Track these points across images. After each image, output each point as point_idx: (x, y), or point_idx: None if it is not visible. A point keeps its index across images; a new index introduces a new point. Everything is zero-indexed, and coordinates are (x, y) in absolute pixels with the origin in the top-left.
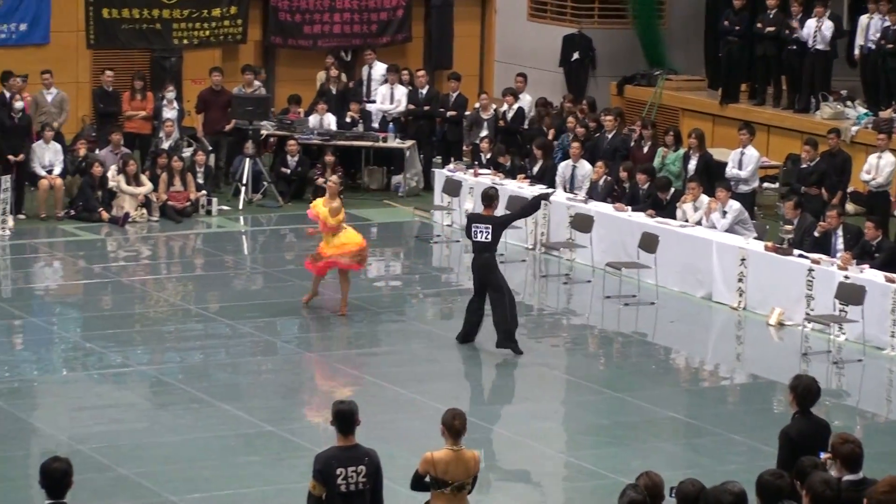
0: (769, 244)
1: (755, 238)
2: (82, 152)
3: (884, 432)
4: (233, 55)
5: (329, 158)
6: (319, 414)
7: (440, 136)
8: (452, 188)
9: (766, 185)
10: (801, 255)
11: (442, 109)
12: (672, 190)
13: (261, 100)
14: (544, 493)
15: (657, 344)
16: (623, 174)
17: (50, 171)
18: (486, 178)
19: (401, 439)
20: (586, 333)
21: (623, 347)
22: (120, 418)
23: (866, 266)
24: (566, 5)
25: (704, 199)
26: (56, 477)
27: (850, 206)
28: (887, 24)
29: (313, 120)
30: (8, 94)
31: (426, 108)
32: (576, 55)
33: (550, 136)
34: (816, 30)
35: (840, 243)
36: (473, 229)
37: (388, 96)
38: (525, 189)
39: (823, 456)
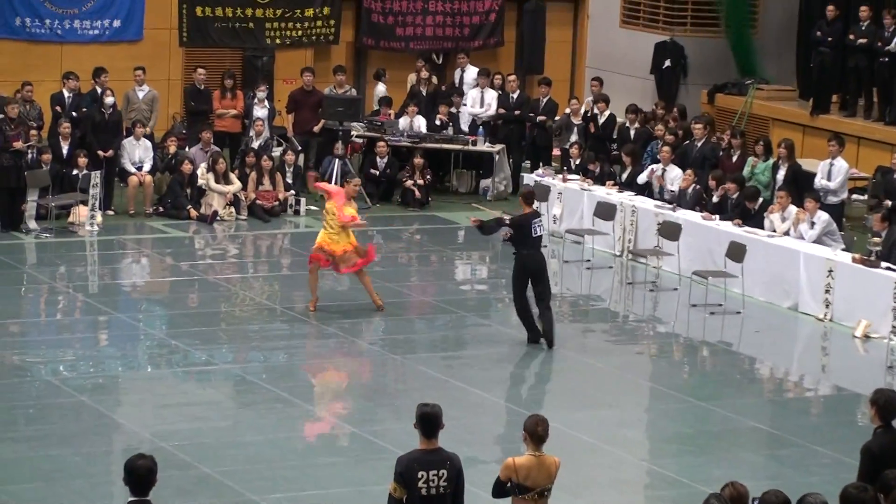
0: (857, 256)
1: (843, 249)
2: (172, 149)
3: None
4: (324, 56)
5: (418, 161)
6: (403, 416)
7: (529, 141)
8: (541, 193)
9: (854, 196)
10: (888, 268)
11: (532, 114)
12: (760, 200)
13: (351, 101)
14: (626, 500)
15: (742, 353)
16: (712, 183)
17: (140, 168)
18: (575, 184)
19: (483, 444)
20: (671, 341)
21: (708, 356)
22: (203, 416)
23: None
24: (659, 13)
25: (793, 209)
26: (141, 474)
27: None
28: None
29: (403, 122)
30: (99, 90)
31: (516, 112)
32: (667, 63)
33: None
34: None
35: None
36: (534, 225)
37: (478, 100)
38: (613, 195)
39: None
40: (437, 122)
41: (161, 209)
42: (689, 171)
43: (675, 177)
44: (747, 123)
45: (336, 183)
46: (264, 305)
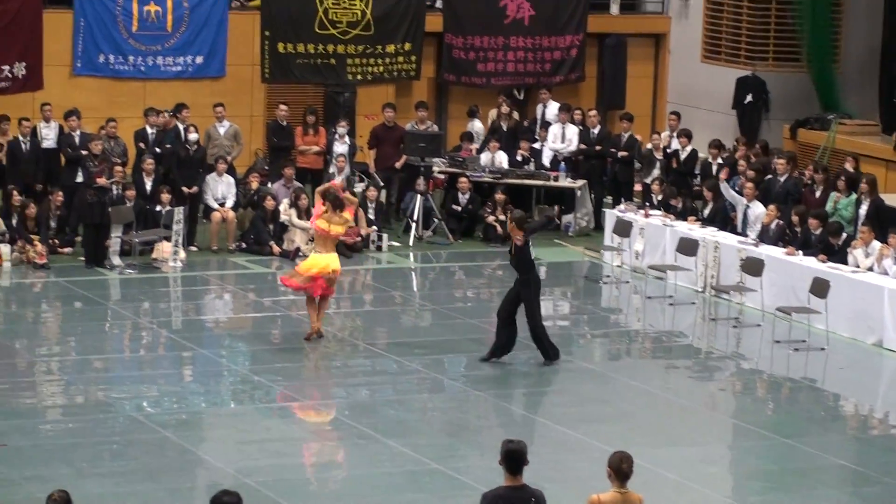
0: None
1: None
2: (255, 185)
3: None
4: (406, 91)
5: (500, 196)
6: (486, 452)
7: (611, 176)
8: (623, 228)
9: None
10: None
11: (613, 149)
12: (844, 235)
13: (433, 136)
14: None
15: (826, 390)
16: (794, 218)
17: (222, 204)
18: (657, 220)
19: (568, 481)
20: (755, 378)
21: (792, 393)
22: (287, 452)
23: None
24: (740, 47)
25: (876, 244)
26: None
27: None
28: None
29: (485, 157)
30: (181, 127)
31: (597, 147)
32: (749, 97)
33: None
34: None
35: None
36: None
37: (559, 135)
38: (695, 231)
39: None
40: (519, 158)
41: (244, 245)
42: (771, 207)
43: (759, 213)
44: (830, 158)
45: (418, 219)
46: (347, 341)
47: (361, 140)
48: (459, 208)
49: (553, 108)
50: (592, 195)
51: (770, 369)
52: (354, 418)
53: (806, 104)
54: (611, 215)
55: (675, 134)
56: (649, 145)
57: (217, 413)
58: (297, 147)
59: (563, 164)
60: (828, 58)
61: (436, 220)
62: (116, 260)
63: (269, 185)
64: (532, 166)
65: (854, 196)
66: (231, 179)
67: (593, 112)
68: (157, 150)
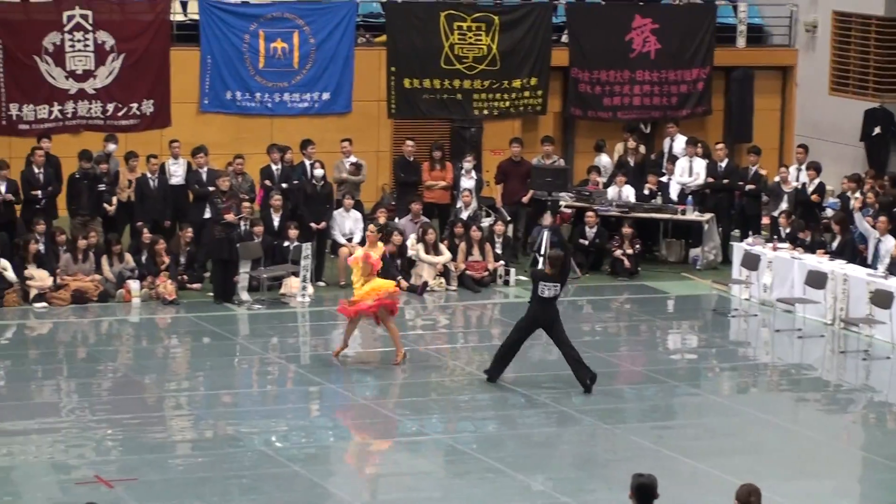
0: None
1: None
2: (382, 221)
3: None
4: (532, 126)
5: (627, 230)
6: (614, 486)
7: (738, 210)
8: (751, 262)
9: None
10: None
11: (741, 183)
12: None
13: (560, 171)
14: None
15: None
16: None
17: (350, 239)
18: (785, 253)
19: None
20: (885, 410)
21: None
22: (415, 486)
23: None
24: (868, 79)
25: None
26: None
27: None
28: None
29: (612, 191)
30: (308, 162)
31: (725, 181)
32: (877, 130)
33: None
34: None
35: None
36: (541, 287)
37: (687, 169)
38: (824, 264)
39: None
40: (646, 192)
41: None
42: None
43: (890, 247)
44: None
45: (545, 253)
46: (475, 375)
47: (488, 175)
48: (587, 242)
49: (680, 142)
50: (720, 228)
51: None
52: (482, 452)
53: None
54: (738, 248)
55: (802, 167)
56: (777, 178)
57: (345, 447)
58: (424, 182)
59: (690, 197)
60: None
61: None
62: (245, 295)
63: (397, 220)
64: (659, 200)
65: None
66: (358, 215)
67: (720, 145)
68: (284, 185)
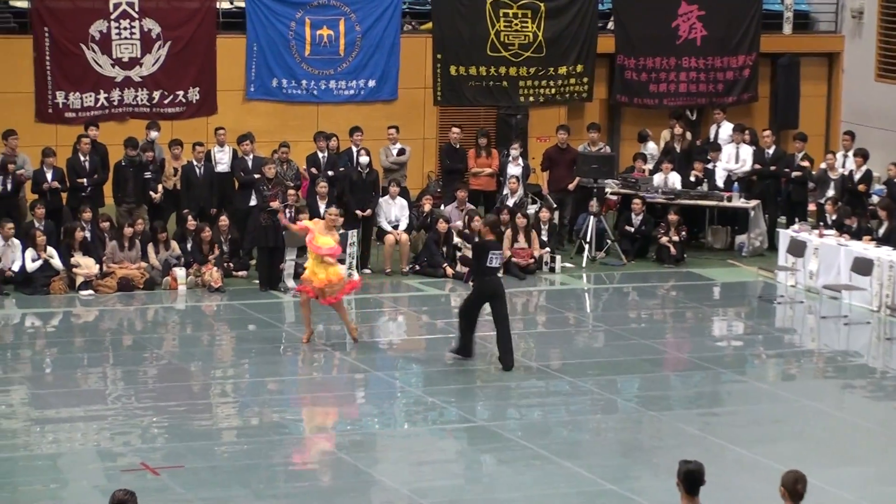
0: None
1: None
2: (427, 208)
3: None
4: (578, 113)
5: (673, 217)
6: (660, 473)
7: (785, 197)
8: (797, 249)
9: None
10: None
11: (787, 169)
12: None
13: (606, 158)
14: None
15: None
16: None
17: (395, 227)
18: (832, 240)
19: (741, 501)
20: None
21: None
22: (461, 473)
23: None
24: None
25: None
26: None
27: None
28: None
29: (658, 178)
30: (354, 150)
31: (772, 167)
32: None
33: None
34: None
35: None
36: (490, 256)
37: (733, 155)
38: (870, 250)
39: None
40: (692, 179)
41: (417, 267)
42: None
43: None
44: None
45: (591, 240)
46: (520, 362)
47: (534, 162)
48: (632, 229)
49: (726, 129)
50: (766, 215)
51: None
52: (528, 439)
53: None
54: (785, 235)
55: (849, 153)
56: (823, 165)
57: (391, 434)
58: (470, 169)
59: (736, 184)
60: None
61: (609, 241)
62: (290, 283)
63: (443, 207)
64: (705, 187)
65: None
66: (404, 202)
67: (767, 132)
68: (330, 173)
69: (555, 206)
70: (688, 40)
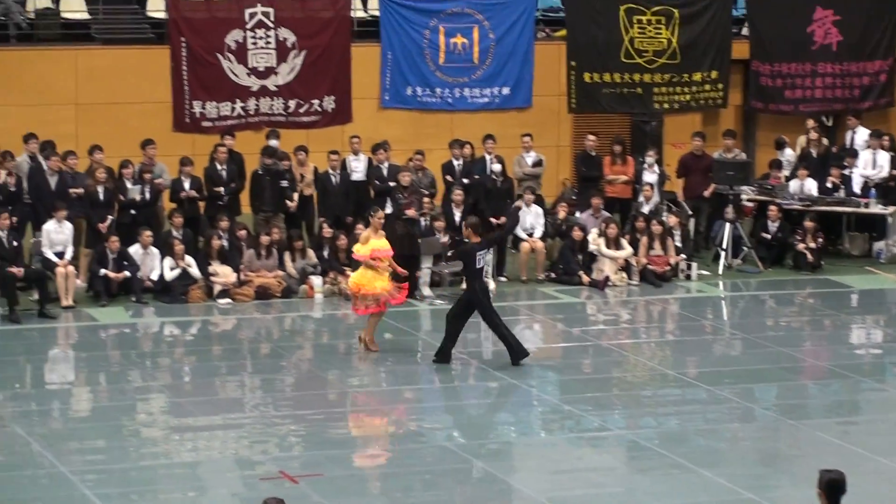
0: None
1: None
2: (563, 215)
3: None
4: (713, 119)
5: (809, 224)
6: (799, 482)
7: None
8: None
9: None
10: None
11: None
12: None
13: (742, 164)
14: None
15: None
16: None
17: (531, 234)
18: None
19: None
20: None
21: None
22: (599, 482)
23: None
24: None
25: None
26: None
27: None
28: None
29: (794, 185)
30: (488, 157)
31: None
32: None
33: None
34: None
35: None
36: (478, 258)
37: (870, 161)
38: None
39: None
40: (829, 185)
41: (553, 275)
42: None
43: None
44: None
45: (728, 247)
46: (656, 371)
47: (669, 169)
48: (769, 236)
49: (862, 135)
50: None
51: None
52: (666, 447)
53: None
54: None
55: None
56: None
57: (528, 442)
58: (605, 176)
59: (873, 190)
60: None
61: (745, 248)
62: (426, 291)
63: (578, 214)
64: (842, 193)
65: None
66: (539, 210)
67: None
68: (465, 180)
69: (690, 213)
70: (823, 45)
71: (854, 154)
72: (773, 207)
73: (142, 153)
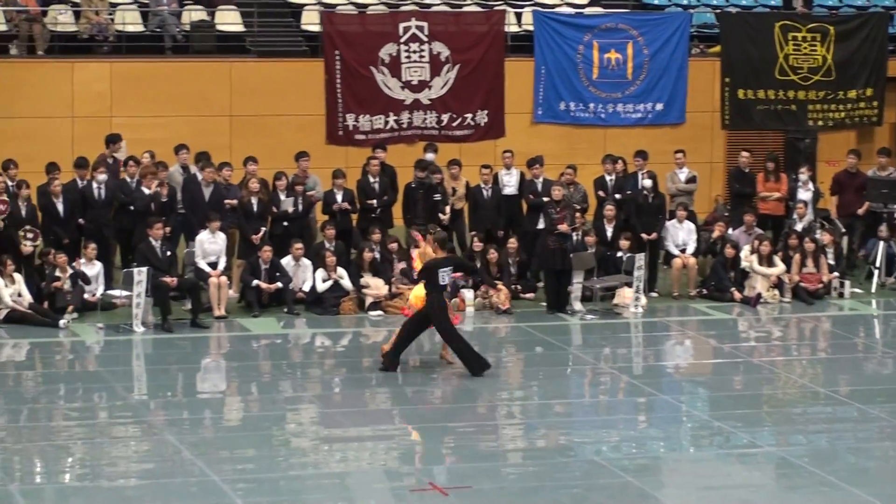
0: None
1: None
2: (716, 233)
3: None
4: (867, 137)
5: None
6: None
7: None
8: None
9: None
10: None
11: None
12: None
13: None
14: None
15: None
16: None
17: (683, 250)
18: None
19: None
20: None
21: None
22: (748, 499)
23: None
24: None
25: None
26: None
27: None
28: None
29: None
30: (640, 173)
31: None
32: None
33: None
34: None
35: None
36: (441, 274)
37: None
38: None
39: None
40: None
41: (705, 291)
42: None
43: None
44: None
45: (881, 265)
46: (807, 388)
47: (823, 186)
48: None
49: None
50: None
51: None
52: (815, 465)
53: None
54: None
55: None
56: None
57: (677, 458)
58: (758, 193)
59: None
60: None
61: None
62: (578, 305)
63: (730, 231)
64: None
65: None
66: (692, 226)
67: None
68: (617, 196)
69: (844, 230)
70: None
71: None
72: None
73: (295, 165)
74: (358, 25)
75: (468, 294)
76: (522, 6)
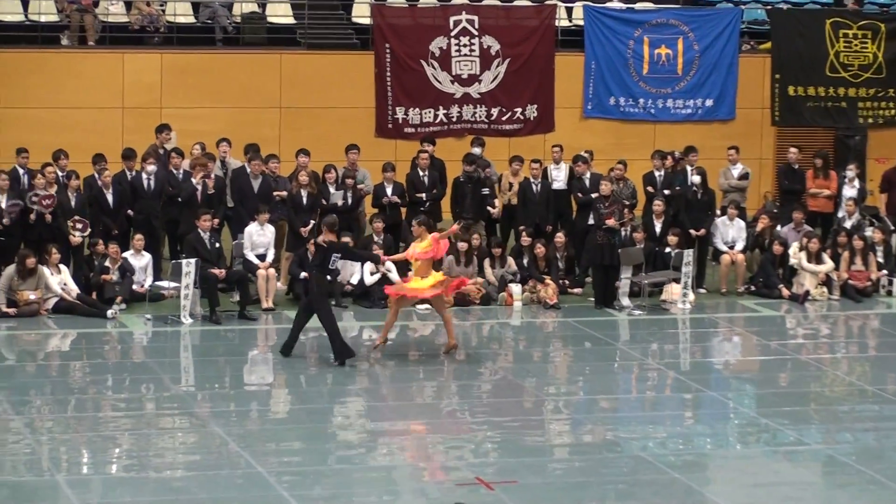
0: None
1: None
2: (760, 226)
3: None
4: None
5: None
6: None
7: None
8: None
9: None
10: None
11: None
12: None
13: None
14: None
15: None
16: None
17: (731, 247)
18: None
19: None
20: None
21: None
22: (795, 496)
23: None
24: None
25: None
26: None
27: None
28: None
29: None
30: (689, 169)
31: None
32: None
33: None
34: None
35: None
36: (333, 259)
37: None
38: None
39: None
40: None
41: (753, 288)
42: None
43: None
44: None
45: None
46: (855, 386)
47: (872, 184)
48: None
49: None
50: None
51: None
52: (863, 463)
53: None
54: None
55: None
56: None
57: (724, 455)
58: (807, 190)
59: None
60: None
61: None
62: (626, 301)
63: (779, 228)
64: None
65: None
66: (741, 223)
67: None
68: (666, 192)
69: (892, 228)
70: None
71: None
72: None
73: (345, 158)
74: (408, 18)
75: (515, 288)
76: (573, 1)
